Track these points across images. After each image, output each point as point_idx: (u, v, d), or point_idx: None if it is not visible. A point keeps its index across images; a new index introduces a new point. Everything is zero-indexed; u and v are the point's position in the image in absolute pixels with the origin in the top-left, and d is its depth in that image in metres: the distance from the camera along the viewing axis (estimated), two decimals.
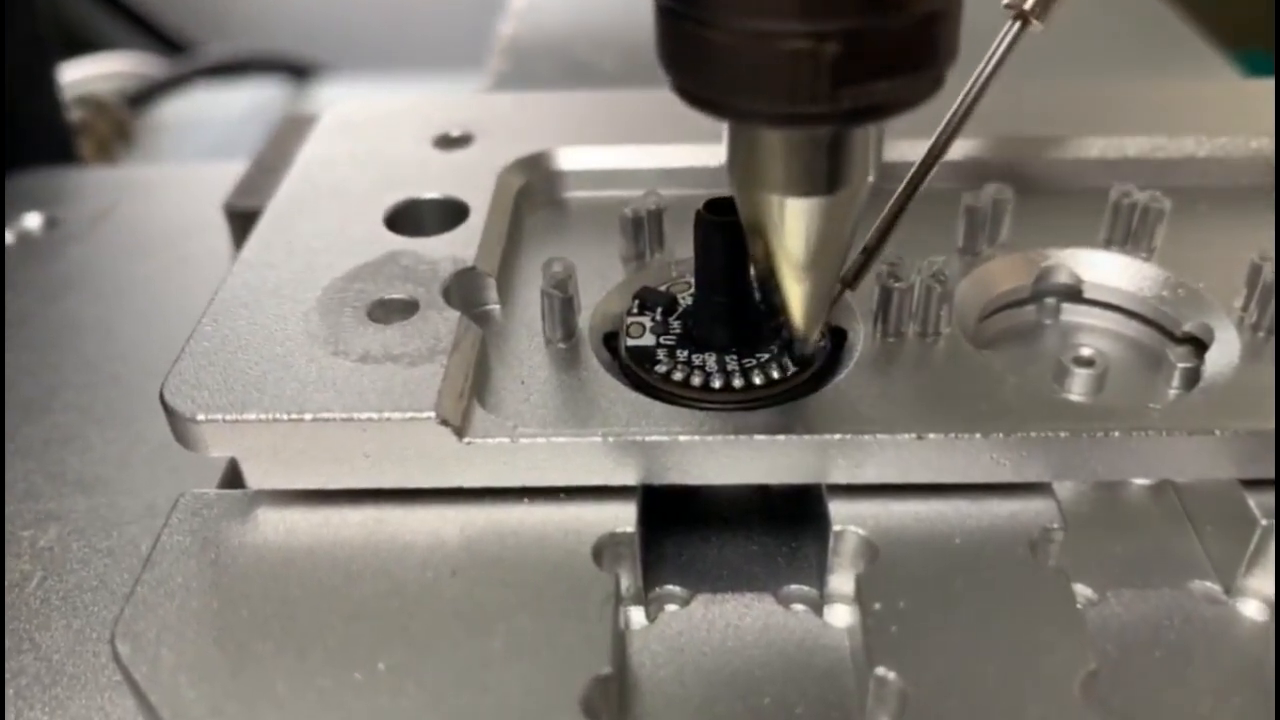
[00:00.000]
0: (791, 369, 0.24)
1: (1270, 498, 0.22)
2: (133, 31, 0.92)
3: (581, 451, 0.23)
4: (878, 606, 0.20)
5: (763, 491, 0.25)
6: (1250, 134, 0.31)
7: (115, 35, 0.91)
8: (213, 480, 0.26)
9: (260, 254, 0.28)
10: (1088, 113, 0.33)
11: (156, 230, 0.42)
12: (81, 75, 0.72)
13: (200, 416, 0.22)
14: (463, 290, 0.26)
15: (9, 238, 0.42)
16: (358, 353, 0.24)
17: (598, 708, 0.19)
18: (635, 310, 0.26)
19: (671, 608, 0.22)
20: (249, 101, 0.78)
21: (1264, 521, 0.22)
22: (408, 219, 0.29)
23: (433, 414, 0.22)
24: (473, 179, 0.30)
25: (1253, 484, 0.23)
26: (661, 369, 0.24)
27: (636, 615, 0.23)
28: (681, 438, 0.22)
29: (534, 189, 0.32)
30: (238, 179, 0.38)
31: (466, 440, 0.22)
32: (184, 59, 0.82)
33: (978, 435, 0.22)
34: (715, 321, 0.25)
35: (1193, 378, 0.24)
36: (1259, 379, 0.24)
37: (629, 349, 0.25)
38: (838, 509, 0.22)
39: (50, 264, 0.40)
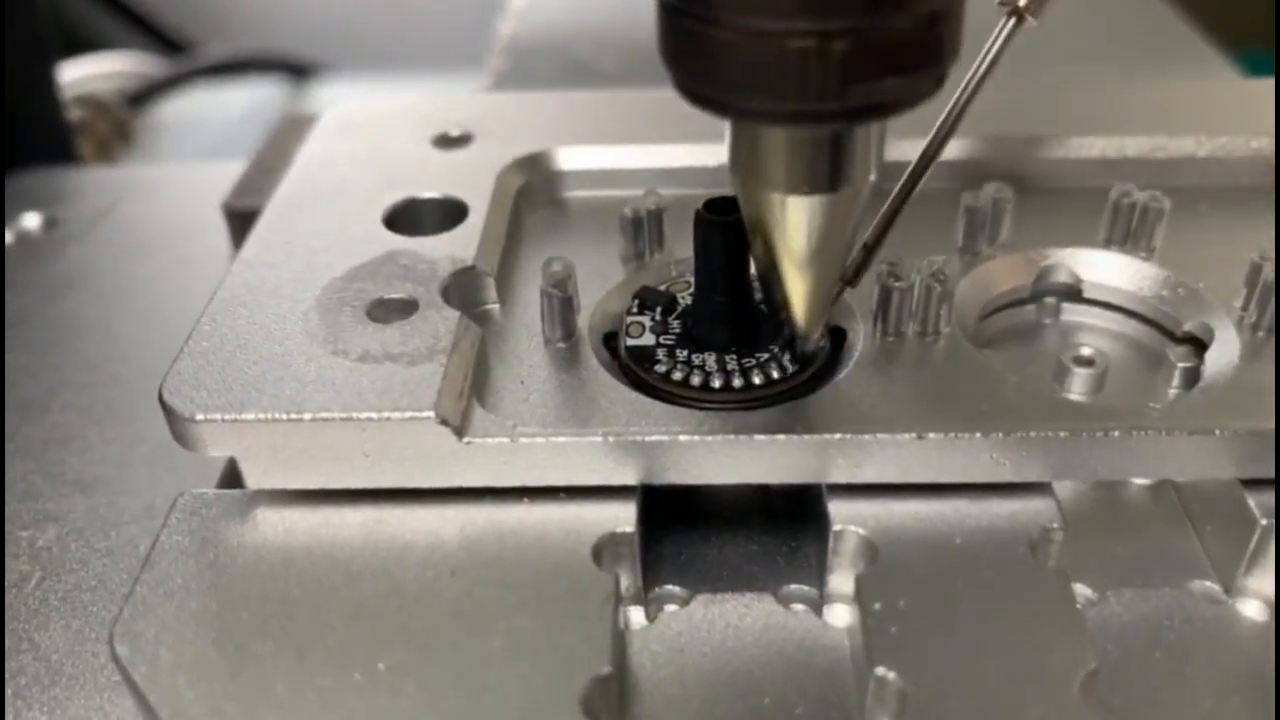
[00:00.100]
0: (791, 369, 0.24)
1: (1270, 497, 0.22)
2: (132, 31, 0.92)
3: (581, 451, 0.23)
4: (877, 606, 0.20)
5: (762, 491, 0.25)
6: (1250, 134, 0.31)
7: (115, 35, 0.91)
8: (212, 480, 0.26)
9: (259, 254, 0.27)
10: (1088, 113, 0.33)
11: (156, 230, 0.42)
12: (81, 75, 0.72)
13: (199, 416, 0.22)
14: (462, 290, 0.26)
15: (9, 238, 0.42)
16: (357, 352, 0.24)
17: (597, 708, 0.19)
18: (635, 310, 0.26)
19: (671, 608, 0.22)
20: (248, 101, 0.78)
21: (1264, 521, 0.22)
22: (407, 218, 0.29)
23: (432, 414, 0.22)
24: (472, 179, 0.30)
25: (1253, 484, 0.23)
26: (661, 369, 0.24)
27: (636, 615, 0.23)
28: (681, 437, 0.22)
29: (533, 189, 0.32)
30: (237, 179, 0.38)
31: (466, 440, 0.22)
32: (184, 59, 0.82)
33: (978, 435, 0.22)
34: (715, 321, 0.25)
35: (1193, 377, 0.24)
36: (1259, 379, 0.24)
37: (629, 349, 0.25)
38: (837, 509, 0.22)
39: (50, 264, 0.40)
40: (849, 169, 0.20)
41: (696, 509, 0.25)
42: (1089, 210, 0.29)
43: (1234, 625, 0.22)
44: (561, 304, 0.25)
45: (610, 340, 0.26)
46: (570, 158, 0.32)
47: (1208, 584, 0.23)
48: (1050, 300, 0.29)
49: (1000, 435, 0.22)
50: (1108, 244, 0.28)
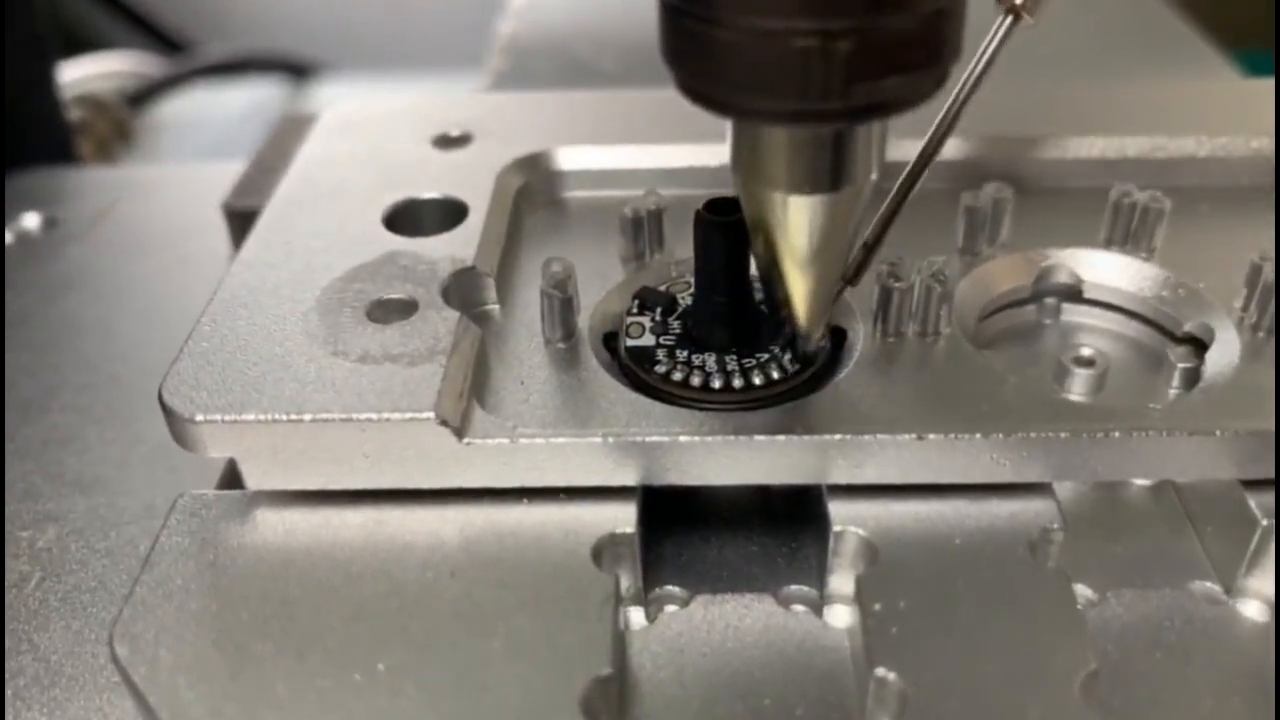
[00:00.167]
0: (791, 369, 0.24)
1: (1271, 498, 0.22)
2: (132, 31, 0.92)
3: (581, 452, 0.23)
4: (878, 607, 0.20)
5: (763, 492, 0.25)
6: (1250, 134, 0.31)
7: (115, 35, 0.91)
8: (211, 481, 0.26)
9: (259, 254, 0.27)
10: (1088, 113, 0.33)
11: (156, 230, 0.42)
12: (81, 74, 0.71)
13: (199, 417, 0.22)
14: (462, 290, 0.26)
15: (8, 237, 0.42)
16: (357, 353, 0.24)
17: (597, 709, 0.19)
18: (635, 310, 0.26)
19: (671, 608, 0.22)
20: (248, 101, 0.78)
21: (1264, 522, 0.22)
22: (407, 219, 0.29)
23: (432, 414, 0.22)
24: (472, 179, 0.30)
25: (1253, 484, 0.23)
26: (661, 369, 0.24)
27: (636, 616, 0.23)
28: (681, 438, 0.22)
29: (533, 189, 0.32)
30: (237, 179, 0.38)
31: (466, 441, 0.22)
32: (183, 58, 0.82)
33: (978, 435, 0.22)
34: (715, 321, 0.25)
35: (1193, 378, 0.24)
36: (1259, 379, 0.24)
37: (629, 349, 0.25)
38: (838, 509, 0.22)
39: (49, 264, 0.40)
40: (851, 168, 0.20)
41: (696, 510, 0.25)
42: (1089, 210, 0.29)
43: (1235, 626, 0.22)
44: (561, 304, 0.25)
45: (610, 341, 0.26)
46: (570, 158, 0.32)
47: (1208, 585, 0.23)
48: (1050, 301, 0.29)
49: (1000, 436, 0.22)
50: (1108, 244, 0.28)
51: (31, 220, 0.43)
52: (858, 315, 0.25)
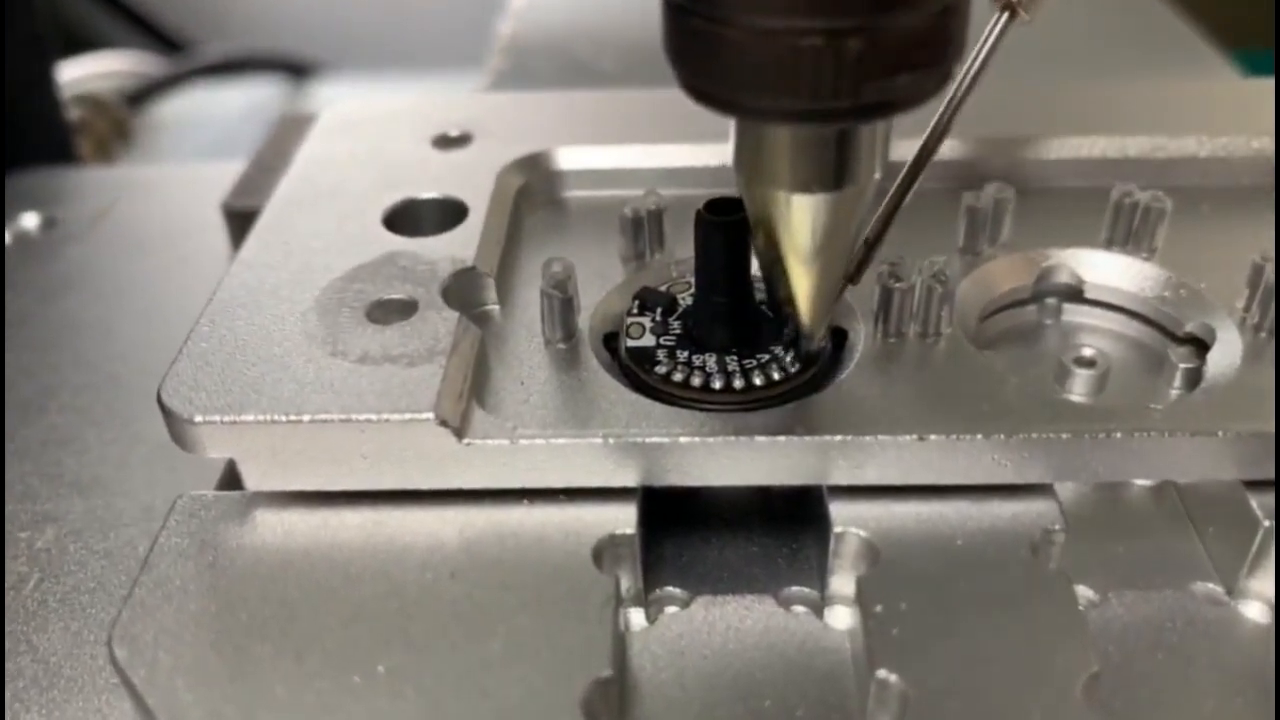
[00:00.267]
0: (792, 369, 0.24)
1: (1272, 499, 0.22)
2: (131, 30, 0.92)
3: (581, 453, 0.22)
4: (879, 608, 0.20)
5: (763, 493, 0.25)
6: (1251, 134, 0.31)
7: (114, 34, 0.91)
8: (211, 482, 0.26)
9: (258, 254, 0.27)
10: (1088, 113, 0.33)
11: (155, 230, 0.42)
12: (80, 74, 0.71)
13: (198, 418, 0.22)
14: (462, 290, 0.26)
15: (8, 238, 0.42)
16: (356, 353, 0.24)
17: (598, 710, 0.19)
18: (635, 310, 0.26)
19: (672, 609, 0.22)
20: (247, 101, 0.78)
21: (1266, 523, 0.22)
22: (406, 219, 0.29)
23: (432, 415, 0.22)
24: (472, 179, 0.30)
25: (1255, 485, 0.23)
26: (661, 370, 0.24)
27: (637, 617, 0.23)
28: (682, 439, 0.22)
29: (533, 189, 0.32)
30: (236, 178, 0.38)
31: (465, 441, 0.22)
32: (183, 58, 0.82)
33: (979, 436, 0.22)
34: (715, 322, 0.25)
35: (1194, 378, 0.24)
36: (1261, 380, 0.24)
37: (629, 349, 0.25)
38: (838, 510, 0.22)
39: (49, 264, 0.40)
40: (854, 167, 0.20)
41: (697, 511, 0.25)
42: (1090, 210, 0.29)
43: (1236, 627, 0.22)
44: (561, 304, 0.25)
45: (610, 341, 0.26)
46: (570, 158, 0.32)
47: (1210, 585, 0.23)
48: (1051, 301, 0.29)
49: (1002, 436, 0.22)
50: (1109, 244, 0.28)
51: (31, 220, 0.43)
52: (858, 315, 0.25)
